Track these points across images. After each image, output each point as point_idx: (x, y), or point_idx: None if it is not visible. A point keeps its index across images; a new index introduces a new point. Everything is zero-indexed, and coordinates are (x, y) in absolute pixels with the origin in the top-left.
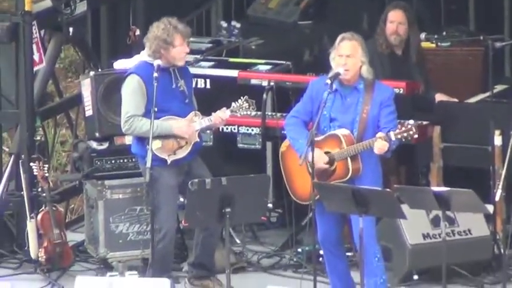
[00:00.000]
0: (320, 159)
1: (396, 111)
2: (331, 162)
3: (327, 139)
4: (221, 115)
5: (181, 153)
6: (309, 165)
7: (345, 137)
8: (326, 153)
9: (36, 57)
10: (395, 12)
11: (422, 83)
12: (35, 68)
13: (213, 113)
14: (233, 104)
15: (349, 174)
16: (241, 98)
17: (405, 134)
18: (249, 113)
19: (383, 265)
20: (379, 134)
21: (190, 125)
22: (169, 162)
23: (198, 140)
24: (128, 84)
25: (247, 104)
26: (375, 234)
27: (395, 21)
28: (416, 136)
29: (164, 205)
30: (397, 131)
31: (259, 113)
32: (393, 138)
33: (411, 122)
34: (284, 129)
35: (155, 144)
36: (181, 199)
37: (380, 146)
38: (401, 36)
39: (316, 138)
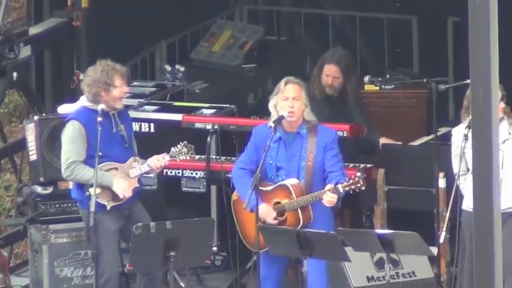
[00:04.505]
0: (268, 215)
1: (340, 153)
2: (281, 213)
3: (277, 189)
4: (158, 163)
5: (121, 199)
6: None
7: (294, 187)
8: (276, 203)
9: None
10: (329, 66)
11: (364, 125)
12: None
13: (149, 159)
14: (172, 149)
15: (300, 223)
16: (180, 143)
17: (353, 187)
18: (188, 157)
19: None
20: (328, 187)
21: (131, 185)
22: (108, 208)
23: (138, 185)
24: (68, 130)
25: (186, 149)
26: (327, 277)
27: (330, 75)
28: (363, 188)
29: (106, 249)
30: (345, 183)
31: (203, 156)
32: (341, 191)
33: (359, 174)
34: (231, 179)
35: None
36: (124, 244)
37: (329, 198)
38: (336, 87)
39: (265, 188)
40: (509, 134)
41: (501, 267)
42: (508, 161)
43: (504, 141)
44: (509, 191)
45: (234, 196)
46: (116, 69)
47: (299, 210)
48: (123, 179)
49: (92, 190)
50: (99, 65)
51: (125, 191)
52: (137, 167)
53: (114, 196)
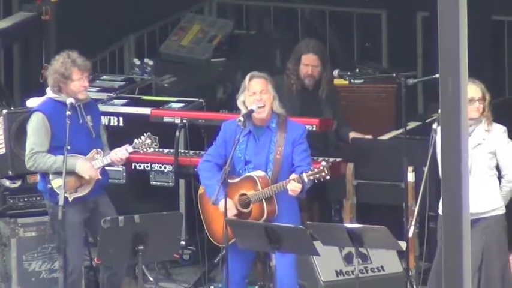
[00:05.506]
0: (229, 211)
1: (309, 148)
2: (246, 204)
3: (243, 181)
4: (120, 155)
5: (83, 191)
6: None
7: (260, 178)
8: (242, 195)
9: None
10: (308, 56)
11: (334, 119)
12: None
13: (111, 151)
14: (136, 140)
15: (264, 215)
16: (144, 134)
17: (317, 176)
18: (152, 149)
19: None
20: (292, 176)
21: (94, 167)
22: (70, 200)
23: (101, 177)
24: (32, 121)
25: (149, 141)
26: (295, 271)
27: (309, 64)
28: (328, 177)
29: (70, 242)
30: (310, 172)
31: (171, 150)
32: (305, 180)
33: (323, 163)
34: (198, 172)
35: (56, 183)
36: (91, 237)
37: (293, 187)
38: (315, 77)
39: (232, 180)
40: (483, 139)
41: (470, 272)
42: (478, 166)
43: (476, 145)
44: (476, 197)
45: (201, 189)
46: (75, 63)
47: (264, 202)
48: (86, 161)
49: (53, 183)
50: (61, 56)
51: (89, 171)
52: (99, 159)
53: (77, 188)
